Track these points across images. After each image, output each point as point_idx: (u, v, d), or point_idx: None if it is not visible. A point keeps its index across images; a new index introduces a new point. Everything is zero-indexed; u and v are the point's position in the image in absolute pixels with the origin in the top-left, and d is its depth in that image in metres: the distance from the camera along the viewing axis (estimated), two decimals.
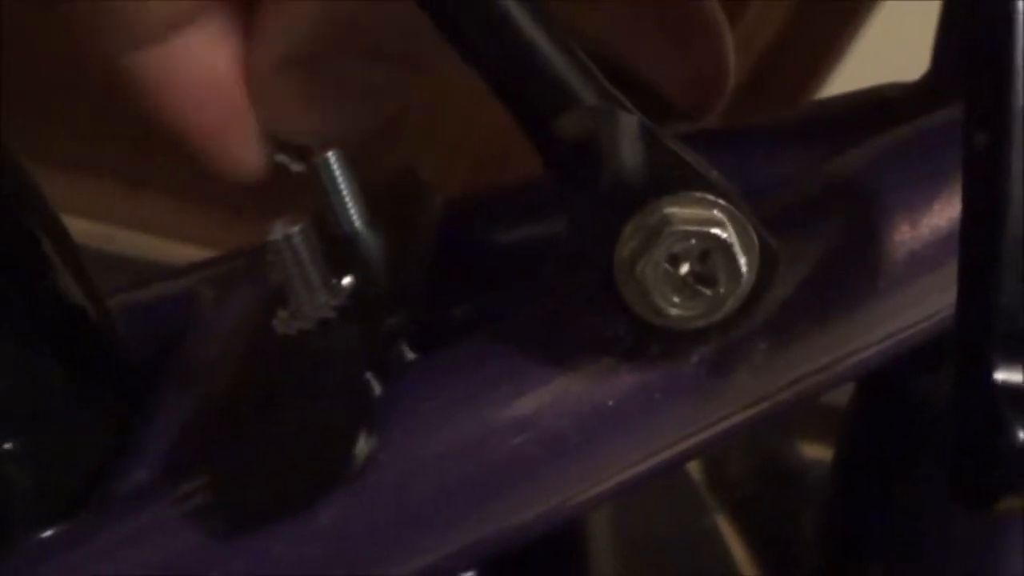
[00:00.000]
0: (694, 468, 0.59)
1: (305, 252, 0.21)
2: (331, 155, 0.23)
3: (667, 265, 0.18)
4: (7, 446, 0.21)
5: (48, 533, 0.21)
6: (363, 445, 0.19)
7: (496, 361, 0.20)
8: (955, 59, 0.25)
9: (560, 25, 0.17)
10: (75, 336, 0.23)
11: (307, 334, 0.21)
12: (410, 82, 0.22)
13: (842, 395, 0.24)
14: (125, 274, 0.28)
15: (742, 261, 0.18)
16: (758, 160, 0.25)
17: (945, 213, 0.20)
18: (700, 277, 0.18)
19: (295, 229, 0.20)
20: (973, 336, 0.17)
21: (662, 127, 0.18)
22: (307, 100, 0.21)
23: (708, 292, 0.18)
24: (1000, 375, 0.17)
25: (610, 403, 0.19)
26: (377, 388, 0.19)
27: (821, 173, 0.22)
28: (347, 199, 0.24)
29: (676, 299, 0.18)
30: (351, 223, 0.24)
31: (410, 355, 0.21)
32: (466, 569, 0.21)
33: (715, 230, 0.18)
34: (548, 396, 0.19)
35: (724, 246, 0.18)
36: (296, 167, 0.22)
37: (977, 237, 0.17)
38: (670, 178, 0.18)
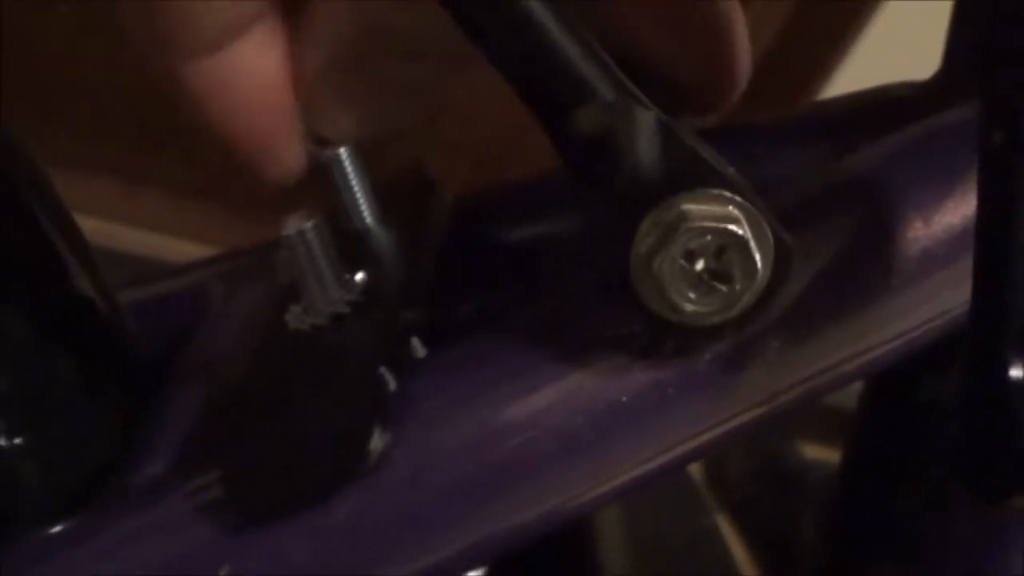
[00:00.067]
0: (694, 468, 0.59)
1: (318, 247, 0.21)
2: (343, 151, 0.23)
3: (683, 261, 0.18)
4: (16, 441, 0.21)
5: (56, 528, 0.21)
6: (377, 440, 0.19)
7: (510, 357, 0.20)
8: (967, 58, 0.25)
9: (578, 21, 0.17)
10: (84, 331, 0.23)
11: (320, 329, 0.21)
12: (450, 80, 0.22)
13: (843, 396, 0.24)
14: (125, 271, 0.27)
15: (757, 257, 0.18)
16: (767, 158, 0.25)
17: (959, 211, 0.20)
18: (716, 273, 0.18)
19: (308, 224, 0.20)
20: (987, 333, 0.17)
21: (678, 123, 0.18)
22: (351, 100, 0.21)
23: (724, 288, 0.18)
24: (1015, 372, 0.17)
25: (624, 400, 0.19)
26: (392, 383, 0.19)
27: (834, 171, 0.22)
28: (359, 196, 0.24)
29: (692, 295, 0.18)
30: (363, 219, 0.24)
31: (422, 351, 0.21)
32: (479, 565, 0.21)
33: (731, 226, 0.18)
34: (562, 392, 0.20)
35: (740, 242, 0.18)
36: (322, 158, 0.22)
37: (993, 235, 0.17)
38: (687, 174, 0.18)
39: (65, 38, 0.78)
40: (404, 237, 0.23)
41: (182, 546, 0.19)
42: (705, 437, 0.20)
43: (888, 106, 0.26)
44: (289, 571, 0.19)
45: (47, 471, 0.22)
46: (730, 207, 0.18)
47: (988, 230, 0.17)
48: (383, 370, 0.19)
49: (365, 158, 0.23)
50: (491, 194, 0.29)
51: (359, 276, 0.21)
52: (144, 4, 0.19)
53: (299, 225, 0.20)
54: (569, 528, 0.21)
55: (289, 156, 0.22)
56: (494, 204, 0.28)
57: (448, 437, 0.19)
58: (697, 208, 0.18)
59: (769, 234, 0.18)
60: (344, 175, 0.23)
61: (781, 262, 0.18)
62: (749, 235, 0.18)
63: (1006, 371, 0.17)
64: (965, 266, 0.19)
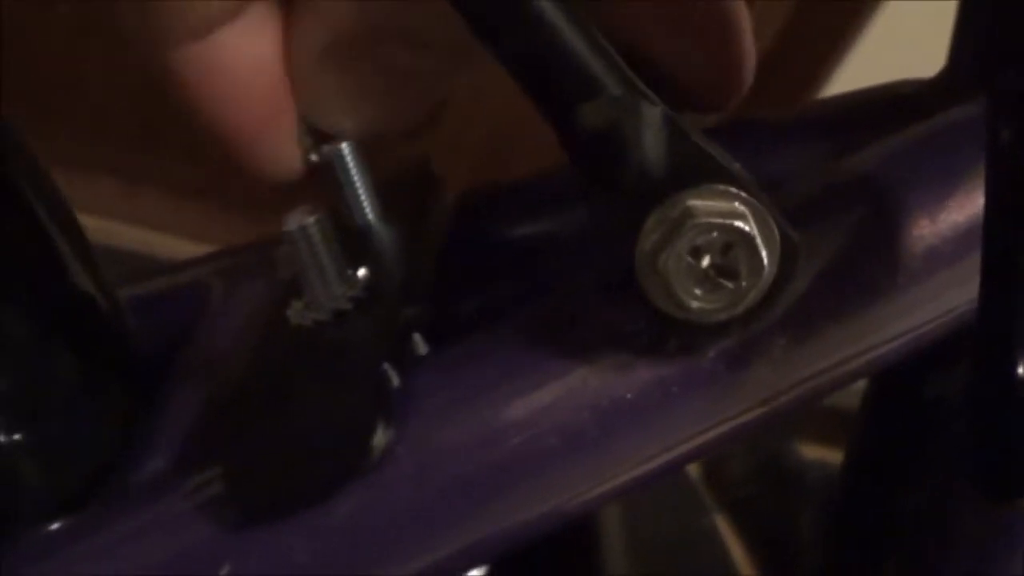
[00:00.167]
0: (692, 467, 0.59)
1: (320, 242, 0.20)
2: (345, 147, 0.23)
3: (689, 258, 0.18)
4: (15, 437, 0.21)
5: (56, 526, 0.21)
6: (380, 437, 0.19)
7: (513, 354, 0.20)
8: (973, 55, 0.25)
9: (584, 15, 0.17)
10: (85, 329, 0.23)
11: (322, 325, 0.21)
12: (453, 72, 0.21)
13: (843, 396, 0.24)
14: (125, 270, 0.27)
15: (764, 254, 0.18)
16: (772, 155, 0.25)
17: (964, 209, 0.20)
18: (722, 270, 0.18)
19: (310, 219, 0.20)
20: (996, 331, 0.17)
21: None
22: (348, 91, 0.21)
23: (730, 285, 0.18)
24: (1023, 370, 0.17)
25: (628, 397, 0.19)
26: (395, 379, 0.19)
27: (840, 168, 0.22)
28: (361, 191, 0.23)
29: (698, 292, 0.18)
30: (364, 215, 0.24)
31: (424, 348, 0.21)
32: (482, 563, 0.21)
33: (737, 223, 0.18)
34: (566, 389, 0.19)
35: (746, 239, 0.18)
36: (313, 156, 0.22)
37: (1001, 231, 0.17)
38: (693, 170, 0.18)
39: (65, 38, 0.78)
40: (406, 234, 0.23)
41: (183, 544, 0.19)
42: (710, 435, 0.20)
43: (893, 103, 0.26)
44: (290, 569, 0.19)
45: (47, 469, 0.21)
46: (736, 203, 0.18)
47: (996, 227, 0.17)
48: (386, 366, 0.19)
49: (367, 154, 0.23)
50: (493, 191, 0.29)
51: (361, 272, 0.21)
52: None
53: (301, 220, 0.20)
54: (570, 527, 0.20)
55: (284, 150, 0.21)
56: (496, 201, 0.28)
57: (451, 434, 0.19)
58: (703, 204, 0.18)
59: (775, 231, 0.18)
60: (346, 171, 0.23)
61: (787, 259, 0.18)
62: (755, 231, 0.18)
63: (1015, 369, 0.17)
64: (971, 264, 0.19)
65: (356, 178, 0.23)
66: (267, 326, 0.22)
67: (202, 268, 0.27)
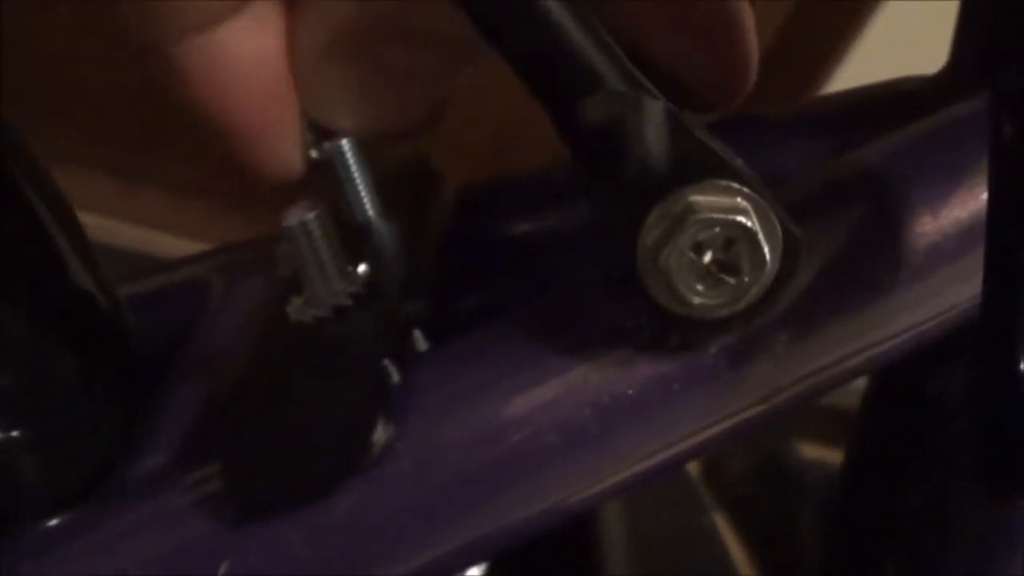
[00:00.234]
0: (692, 466, 0.59)
1: (321, 238, 0.20)
2: (345, 143, 0.23)
3: (691, 253, 0.18)
4: (14, 434, 0.21)
5: (55, 522, 0.20)
6: (381, 433, 0.19)
7: (515, 350, 0.20)
8: (975, 51, 0.25)
9: (587, 10, 0.17)
10: (84, 326, 0.23)
11: (322, 321, 0.20)
12: (455, 71, 0.21)
13: (842, 396, 0.24)
14: (124, 268, 0.27)
15: (766, 249, 0.18)
16: (775, 151, 0.25)
17: (967, 205, 0.20)
18: (724, 266, 0.18)
19: (310, 215, 0.20)
20: (1000, 326, 0.17)
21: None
22: (351, 88, 0.21)
23: (732, 281, 0.18)
24: None
25: (630, 393, 0.19)
26: (395, 375, 0.19)
27: (842, 164, 0.21)
28: (361, 188, 0.23)
29: (700, 288, 0.18)
30: (365, 212, 0.23)
31: (424, 345, 0.21)
32: (482, 560, 0.20)
33: (740, 218, 0.17)
34: (567, 385, 0.19)
35: (749, 234, 0.18)
36: (313, 153, 0.22)
37: (1005, 226, 0.17)
38: (695, 165, 0.18)
39: (65, 38, 0.78)
40: (406, 230, 0.23)
41: (182, 540, 0.19)
42: (711, 431, 0.20)
43: (896, 100, 0.26)
44: (290, 565, 0.19)
45: (47, 465, 0.21)
46: (738, 198, 0.18)
47: (999, 222, 0.17)
48: (386, 362, 0.19)
49: (367, 151, 0.23)
50: (494, 187, 0.29)
51: (361, 268, 0.21)
52: None
53: (301, 216, 0.20)
54: (570, 525, 0.20)
55: (286, 147, 0.21)
56: (497, 197, 0.28)
57: (452, 430, 0.19)
58: (705, 199, 0.18)
59: (778, 226, 0.18)
60: (346, 167, 0.23)
61: (790, 254, 0.18)
62: (758, 227, 0.18)
63: (1018, 365, 0.17)
64: (973, 260, 0.19)
65: (356, 174, 0.23)
66: (267, 322, 0.22)
67: (201, 265, 0.27)
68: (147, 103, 0.76)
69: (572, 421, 0.19)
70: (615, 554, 0.45)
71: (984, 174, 0.20)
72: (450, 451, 0.19)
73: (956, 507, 0.27)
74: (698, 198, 0.18)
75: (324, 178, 0.23)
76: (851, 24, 0.73)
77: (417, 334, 0.21)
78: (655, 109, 0.17)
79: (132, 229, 0.84)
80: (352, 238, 0.22)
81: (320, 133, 0.22)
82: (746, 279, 0.18)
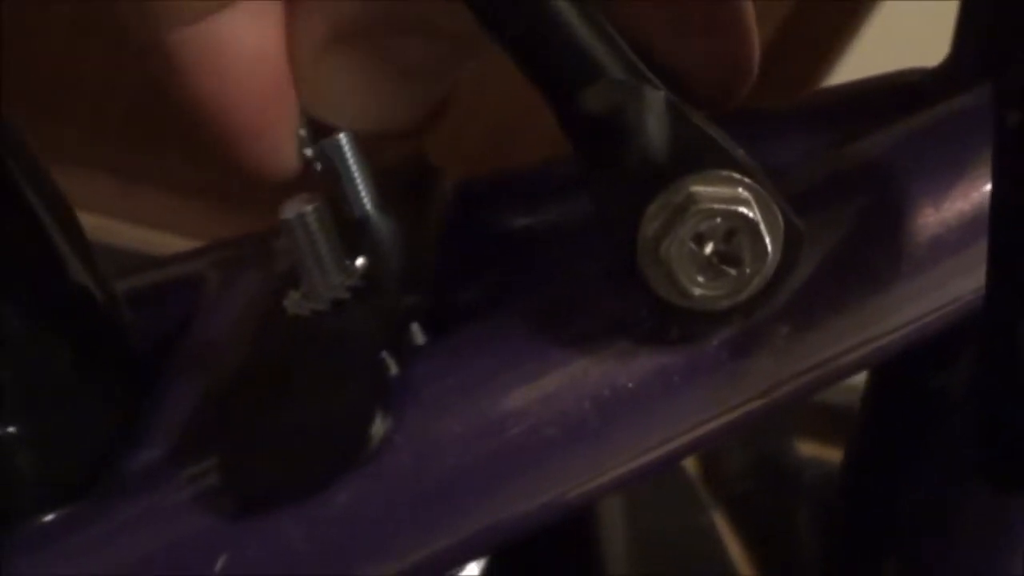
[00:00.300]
0: (691, 464, 0.59)
1: (318, 231, 0.20)
2: (343, 137, 0.22)
3: (692, 244, 0.18)
4: (12, 429, 0.21)
5: (53, 516, 0.20)
6: (379, 426, 0.18)
7: (514, 342, 0.20)
8: (977, 42, 0.25)
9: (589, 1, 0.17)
10: (82, 322, 0.23)
11: (320, 315, 0.20)
12: (457, 66, 0.21)
13: (841, 393, 0.24)
14: (123, 266, 0.27)
15: (768, 240, 0.17)
16: (777, 143, 0.25)
17: (969, 197, 0.20)
18: (725, 257, 0.18)
19: (308, 208, 0.20)
20: (1002, 319, 0.17)
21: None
22: (350, 84, 0.20)
23: (733, 272, 0.18)
24: None
25: (630, 386, 0.19)
26: (393, 368, 0.19)
27: (844, 156, 0.21)
28: (359, 182, 0.23)
29: (701, 279, 0.18)
30: (363, 206, 0.23)
31: (422, 338, 0.21)
32: (481, 554, 0.20)
33: (741, 209, 0.17)
34: (567, 378, 0.19)
35: (750, 225, 0.17)
36: (307, 151, 0.22)
37: (1009, 216, 0.17)
38: (696, 155, 0.17)
39: (65, 38, 0.78)
40: (405, 224, 0.23)
41: (180, 534, 0.19)
42: (711, 424, 0.20)
43: (898, 92, 0.26)
44: (288, 559, 0.19)
45: (44, 460, 0.21)
46: (740, 189, 0.17)
47: (1004, 212, 0.17)
48: (384, 355, 0.19)
49: (365, 145, 0.23)
50: (492, 180, 0.28)
51: (359, 261, 0.21)
52: None
53: (299, 208, 0.20)
54: (569, 520, 0.20)
55: (284, 145, 0.21)
56: (495, 190, 0.28)
57: (450, 424, 0.19)
58: (706, 190, 0.17)
59: (779, 217, 0.18)
60: (344, 161, 0.23)
61: (791, 245, 0.18)
62: (759, 218, 0.17)
63: (1020, 359, 0.17)
64: (976, 253, 0.19)
65: (354, 168, 0.23)
66: (264, 316, 0.22)
67: (198, 260, 0.27)
68: (147, 103, 0.76)
69: (572, 414, 0.19)
70: (614, 552, 0.45)
71: (987, 166, 0.20)
72: (449, 444, 0.19)
73: (957, 506, 0.27)
74: (699, 188, 0.17)
75: (322, 172, 0.23)
76: (851, 20, 0.73)
77: (415, 327, 0.21)
78: (656, 98, 0.17)
79: (132, 229, 0.84)
80: (350, 231, 0.22)
81: (317, 129, 0.22)
82: (747, 270, 0.18)
